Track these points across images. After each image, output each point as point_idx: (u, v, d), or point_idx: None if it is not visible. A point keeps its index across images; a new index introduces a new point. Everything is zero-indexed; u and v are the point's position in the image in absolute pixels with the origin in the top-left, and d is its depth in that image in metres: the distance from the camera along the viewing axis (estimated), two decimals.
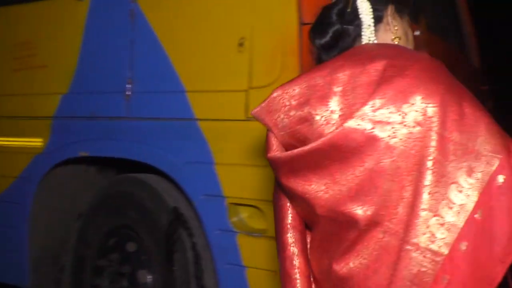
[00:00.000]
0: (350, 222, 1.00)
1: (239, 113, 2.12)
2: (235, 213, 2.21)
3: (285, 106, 1.09)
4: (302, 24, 1.98)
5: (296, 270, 1.14)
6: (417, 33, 2.32)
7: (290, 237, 1.16)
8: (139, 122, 2.42)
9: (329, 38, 1.17)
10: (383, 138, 0.95)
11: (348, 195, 1.00)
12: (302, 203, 1.09)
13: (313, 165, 1.03)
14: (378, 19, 1.17)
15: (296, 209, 1.16)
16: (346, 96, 1.02)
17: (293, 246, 1.15)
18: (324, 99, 1.04)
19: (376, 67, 1.01)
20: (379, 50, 1.09)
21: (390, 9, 1.18)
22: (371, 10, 1.15)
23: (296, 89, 1.08)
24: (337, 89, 1.03)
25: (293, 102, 1.08)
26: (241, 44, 2.10)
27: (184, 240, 2.36)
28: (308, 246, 1.18)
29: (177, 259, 2.37)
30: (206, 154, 2.22)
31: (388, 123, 0.96)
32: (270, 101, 1.12)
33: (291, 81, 1.12)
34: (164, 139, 2.34)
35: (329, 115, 1.03)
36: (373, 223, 0.98)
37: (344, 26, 1.16)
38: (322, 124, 1.03)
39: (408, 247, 0.94)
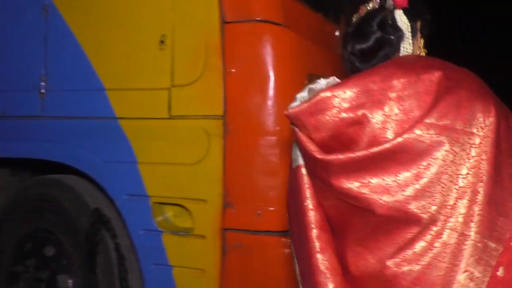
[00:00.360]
0: (411, 220, 1.06)
1: (162, 111, 2.09)
2: (160, 212, 2.19)
3: (334, 108, 1.13)
4: (224, 22, 1.99)
5: (326, 266, 1.17)
6: (337, 33, 2.40)
7: (317, 235, 1.19)
8: (56, 121, 2.32)
9: (371, 43, 1.22)
10: (447, 143, 1.05)
11: (412, 195, 1.06)
12: (354, 203, 1.12)
13: (374, 166, 1.09)
14: (413, 33, 1.26)
15: (329, 209, 1.21)
16: (402, 102, 1.09)
17: (319, 243, 1.18)
18: (380, 104, 1.10)
19: (431, 78, 1.10)
20: (426, 61, 1.18)
21: (419, 25, 1.27)
22: (408, 23, 1.25)
23: (347, 92, 1.11)
24: (392, 95, 1.10)
25: (345, 105, 1.11)
26: (162, 42, 2.07)
27: (107, 241, 2.30)
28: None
29: (99, 261, 2.31)
30: (128, 153, 2.17)
31: (452, 129, 1.06)
32: (317, 102, 1.14)
33: (339, 84, 1.14)
34: (83, 138, 2.27)
35: (384, 119, 1.09)
36: (433, 220, 1.06)
37: (386, 36, 1.23)
38: (378, 128, 1.09)
39: (468, 241, 1.05)
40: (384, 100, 1.10)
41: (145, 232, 2.17)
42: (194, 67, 2.04)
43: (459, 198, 1.06)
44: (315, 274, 1.17)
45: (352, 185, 1.10)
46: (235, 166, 2.02)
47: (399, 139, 1.06)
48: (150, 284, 2.20)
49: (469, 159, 1.06)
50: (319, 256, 1.17)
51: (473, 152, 1.06)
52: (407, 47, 1.26)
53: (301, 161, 1.23)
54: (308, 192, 1.21)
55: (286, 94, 1.99)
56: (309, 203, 1.21)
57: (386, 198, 1.07)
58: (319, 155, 1.13)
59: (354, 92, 1.11)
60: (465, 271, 1.05)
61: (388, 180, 1.08)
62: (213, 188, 2.04)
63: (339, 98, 1.12)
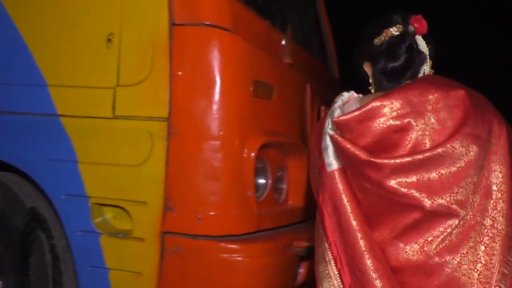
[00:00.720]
0: (452, 214, 1.30)
1: (106, 110, 2.06)
2: (99, 213, 2.15)
3: (383, 116, 1.34)
4: (173, 24, 1.99)
5: (376, 260, 1.33)
6: (283, 42, 2.44)
7: (361, 231, 1.36)
8: None
9: (402, 63, 1.48)
10: (477, 148, 1.30)
11: (453, 192, 1.29)
12: (403, 200, 1.31)
13: (421, 168, 1.30)
14: (429, 56, 1.51)
15: (367, 206, 1.39)
16: (437, 114, 1.32)
17: (365, 240, 1.35)
18: (420, 114, 1.32)
19: (457, 94, 1.34)
20: (448, 80, 1.42)
21: (430, 48, 1.51)
22: (427, 47, 1.50)
23: (394, 103, 1.34)
24: (429, 107, 1.33)
25: (393, 114, 1.33)
26: (109, 40, 2.04)
27: (42, 242, 2.23)
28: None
29: (33, 263, 2.24)
30: (68, 152, 2.12)
31: (480, 138, 1.32)
32: (368, 111, 1.34)
33: (385, 96, 1.36)
34: (21, 135, 2.20)
35: (424, 127, 1.32)
36: (466, 214, 1.30)
37: (412, 58, 1.48)
38: (420, 135, 1.32)
39: (500, 232, 1.31)
40: (423, 111, 1.32)
41: (83, 234, 2.12)
42: (140, 68, 2.02)
43: (484, 195, 1.32)
44: (367, 277, 1.33)
45: (403, 184, 1.30)
46: (177, 169, 2.01)
47: (447, 145, 1.29)
48: (85, 287, 2.15)
49: (489, 162, 1.33)
50: (368, 262, 1.34)
51: (493, 157, 1.33)
52: (426, 68, 1.51)
53: (335, 166, 1.42)
54: (345, 197, 1.40)
55: (231, 99, 2.00)
56: (348, 208, 1.39)
57: (433, 196, 1.29)
58: (372, 158, 1.32)
59: (400, 103, 1.33)
60: (502, 259, 1.30)
61: (433, 179, 1.29)
62: (154, 190, 2.01)
63: (388, 107, 1.34)
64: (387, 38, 1.49)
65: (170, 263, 2.01)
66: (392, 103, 1.34)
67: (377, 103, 1.34)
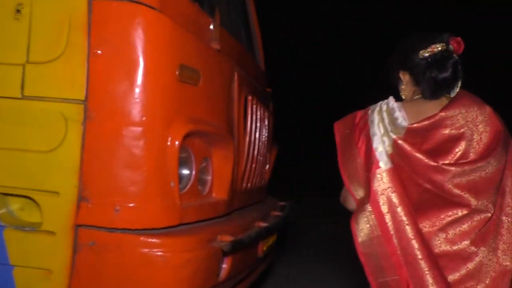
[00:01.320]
0: (486, 211, 1.62)
1: (14, 90, 1.86)
2: (3, 204, 1.94)
3: (447, 126, 1.65)
4: None
5: (423, 248, 1.60)
6: (211, 27, 2.33)
7: (413, 225, 1.61)
8: None
9: (451, 74, 1.73)
10: (502, 159, 1.66)
11: (487, 193, 1.63)
12: (454, 199, 1.62)
13: (470, 173, 1.62)
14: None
15: (417, 202, 1.65)
16: (477, 127, 1.65)
17: (415, 236, 1.60)
18: (469, 126, 1.64)
19: (486, 110, 1.68)
20: (475, 96, 1.75)
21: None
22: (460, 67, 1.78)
23: (454, 114, 1.65)
24: (474, 121, 1.65)
25: (454, 125, 1.64)
26: (18, 11, 1.84)
27: None
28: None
29: None
30: None
31: (503, 151, 1.66)
32: (437, 121, 1.64)
33: (446, 108, 1.68)
34: None
35: (471, 138, 1.64)
36: (494, 212, 1.63)
37: (457, 73, 1.76)
38: (468, 144, 1.64)
39: None
40: (470, 124, 1.64)
41: None
42: (54, 44, 1.83)
43: (501, 195, 1.64)
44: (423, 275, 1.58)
45: (459, 186, 1.61)
46: (94, 156, 1.85)
47: (488, 159, 1.62)
48: None
49: (499, 170, 1.64)
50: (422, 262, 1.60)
51: (508, 165, 1.67)
52: (459, 85, 1.78)
53: (389, 165, 1.63)
54: (398, 194, 1.63)
55: (155, 82, 1.87)
56: (401, 204, 1.62)
57: (478, 197, 1.61)
58: (439, 163, 1.62)
59: (458, 115, 1.64)
60: None
61: (478, 183, 1.61)
62: (67, 179, 1.84)
63: (449, 119, 1.64)
64: (433, 53, 1.73)
65: (84, 258, 1.85)
66: (453, 113, 1.65)
67: (443, 114, 1.65)
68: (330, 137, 1.83)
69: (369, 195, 1.63)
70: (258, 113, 2.94)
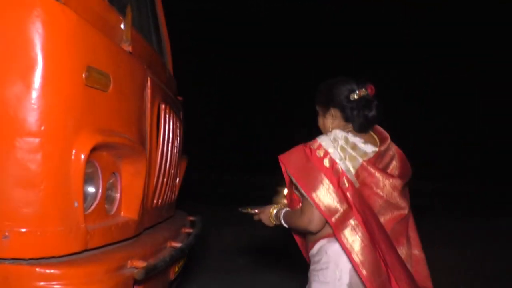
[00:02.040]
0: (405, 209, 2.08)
1: None
2: None
3: (390, 150, 2.17)
4: None
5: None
6: (122, 26, 2.09)
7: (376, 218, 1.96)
8: None
9: (376, 113, 2.05)
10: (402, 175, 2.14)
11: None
12: (390, 201, 2.03)
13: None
14: None
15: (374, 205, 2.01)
16: (389, 151, 2.14)
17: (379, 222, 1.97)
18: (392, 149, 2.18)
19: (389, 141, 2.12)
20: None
21: None
22: None
23: (387, 144, 2.13)
24: (392, 146, 2.17)
25: (389, 151, 2.16)
26: None
27: None
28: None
29: None
30: None
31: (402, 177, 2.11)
32: (387, 148, 2.12)
33: (383, 139, 2.13)
34: None
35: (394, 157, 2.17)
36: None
37: (379, 111, 2.07)
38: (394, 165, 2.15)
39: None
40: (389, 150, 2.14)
41: None
42: None
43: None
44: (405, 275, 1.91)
45: (398, 192, 2.05)
46: None
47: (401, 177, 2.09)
48: None
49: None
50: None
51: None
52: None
53: (357, 184, 1.95)
54: (366, 205, 1.94)
55: (57, 86, 1.59)
56: (371, 211, 1.97)
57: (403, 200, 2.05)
58: (392, 175, 2.07)
59: (387, 143, 2.12)
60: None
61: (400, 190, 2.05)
62: None
63: (389, 144, 2.15)
64: (360, 96, 2.02)
65: None
66: (386, 144, 2.08)
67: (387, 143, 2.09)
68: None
69: (351, 210, 1.89)
70: (171, 123, 2.71)
